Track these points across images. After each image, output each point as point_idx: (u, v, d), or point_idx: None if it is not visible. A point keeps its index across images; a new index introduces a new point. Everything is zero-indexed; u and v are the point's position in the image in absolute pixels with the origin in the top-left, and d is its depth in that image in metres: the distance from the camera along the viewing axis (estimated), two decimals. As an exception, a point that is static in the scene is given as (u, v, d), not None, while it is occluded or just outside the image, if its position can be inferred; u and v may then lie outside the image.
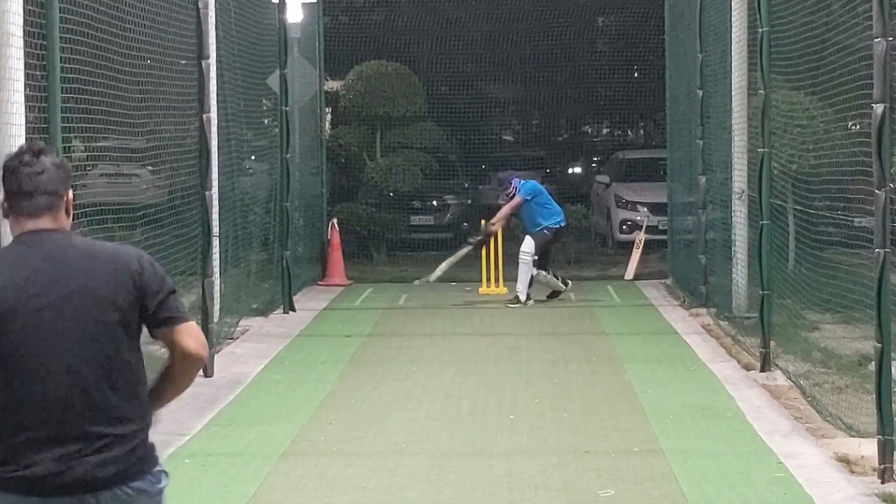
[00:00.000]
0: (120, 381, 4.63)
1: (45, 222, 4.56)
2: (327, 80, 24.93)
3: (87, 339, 4.52)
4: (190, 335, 4.69)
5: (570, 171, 29.06)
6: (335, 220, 21.72)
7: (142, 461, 4.74)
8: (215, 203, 13.98)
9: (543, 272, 18.65)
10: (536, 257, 18.47)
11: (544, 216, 18.55)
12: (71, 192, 4.68)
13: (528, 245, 18.35)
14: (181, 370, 4.79)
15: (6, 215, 4.61)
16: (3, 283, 4.47)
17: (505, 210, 18.81)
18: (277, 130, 18.30)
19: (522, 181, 18.76)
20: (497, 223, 19.07)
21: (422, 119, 25.27)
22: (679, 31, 19.89)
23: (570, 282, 19.35)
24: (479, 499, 8.77)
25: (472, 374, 13.21)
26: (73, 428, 4.51)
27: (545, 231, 18.46)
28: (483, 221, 19.60)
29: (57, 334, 4.48)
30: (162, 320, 4.67)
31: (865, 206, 10.16)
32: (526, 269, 18.37)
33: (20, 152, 4.63)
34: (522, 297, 18.36)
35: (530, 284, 18.47)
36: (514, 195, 18.58)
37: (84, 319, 4.51)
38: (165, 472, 4.82)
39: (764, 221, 13.05)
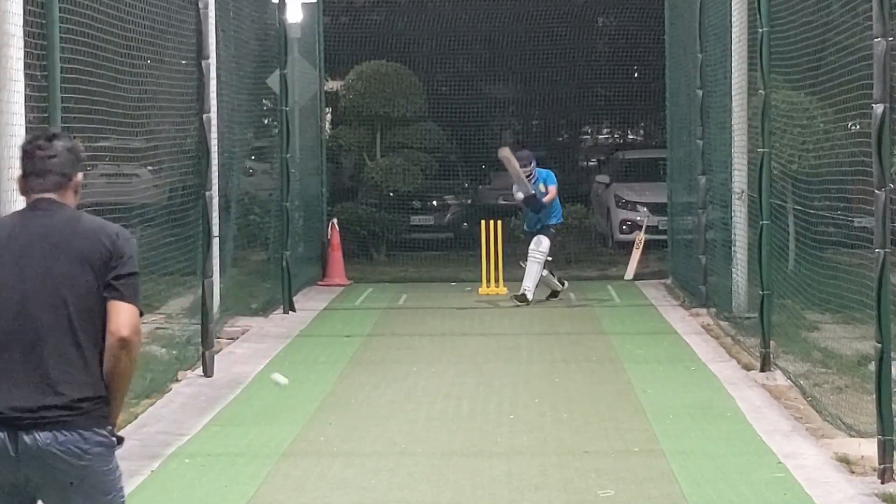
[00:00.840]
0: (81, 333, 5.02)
1: (52, 195, 5.11)
2: (327, 80, 24.94)
3: (56, 288, 4.98)
4: (119, 313, 4.99)
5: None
6: (335, 220, 21.72)
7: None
8: (215, 203, 13.99)
9: (547, 271, 18.66)
10: (550, 258, 18.47)
11: (553, 213, 18.45)
12: (80, 175, 5.21)
13: (544, 245, 18.22)
14: (108, 347, 5.02)
15: (22, 193, 5.18)
16: (4, 231, 5.08)
17: (551, 196, 18.52)
18: (277, 130, 18.30)
19: (538, 168, 18.64)
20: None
21: (422, 119, 25.27)
22: (679, 31, 19.89)
23: (566, 282, 19.35)
24: (479, 499, 8.77)
25: (472, 374, 13.21)
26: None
27: (552, 230, 18.41)
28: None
29: (21, 279, 4.99)
30: (107, 290, 5.01)
31: (865, 206, 10.16)
32: (538, 268, 18.33)
33: (36, 136, 5.18)
34: (530, 296, 18.32)
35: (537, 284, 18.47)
36: (533, 177, 18.40)
37: (58, 271, 4.99)
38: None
39: (764, 221, 13.05)
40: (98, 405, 5.02)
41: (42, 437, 4.92)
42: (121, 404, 5.15)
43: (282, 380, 10.08)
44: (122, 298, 5.00)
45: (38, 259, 5.01)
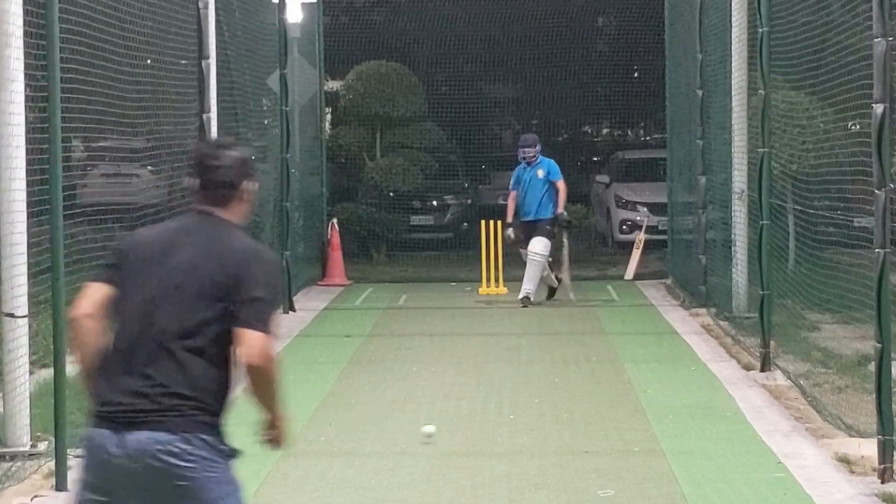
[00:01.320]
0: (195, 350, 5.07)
1: (213, 209, 5.20)
2: (327, 80, 24.94)
3: (179, 301, 5.02)
4: (243, 340, 5.02)
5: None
6: (335, 220, 21.72)
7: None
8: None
9: (547, 271, 18.67)
10: (550, 259, 18.46)
11: (551, 205, 18.36)
12: (250, 183, 5.27)
13: (543, 246, 18.18)
14: (244, 373, 5.17)
15: (190, 197, 5.28)
16: (146, 239, 5.20)
17: (563, 195, 18.52)
18: (277, 130, 18.30)
19: (543, 157, 18.63)
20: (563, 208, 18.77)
21: (422, 119, 25.27)
22: (679, 31, 19.88)
23: (562, 277, 19.34)
24: (479, 499, 8.77)
25: (472, 374, 13.21)
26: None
27: (548, 227, 18.37)
28: (560, 212, 18.92)
29: (155, 288, 5.04)
30: (234, 314, 5.02)
31: (865, 206, 10.16)
32: (539, 269, 18.30)
33: (206, 144, 5.31)
34: (533, 298, 18.32)
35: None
36: (536, 161, 18.40)
37: (185, 285, 5.03)
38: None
39: (764, 221, 13.05)
40: (201, 412, 5.16)
41: (143, 436, 4.97)
42: (273, 414, 5.53)
43: (430, 430, 10.11)
44: (248, 325, 4.99)
45: (174, 270, 5.06)
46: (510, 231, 18.64)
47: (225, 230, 5.18)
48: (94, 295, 5.15)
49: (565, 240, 18.66)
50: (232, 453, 5.33)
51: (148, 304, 5.04)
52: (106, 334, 5.14)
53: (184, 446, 5.04)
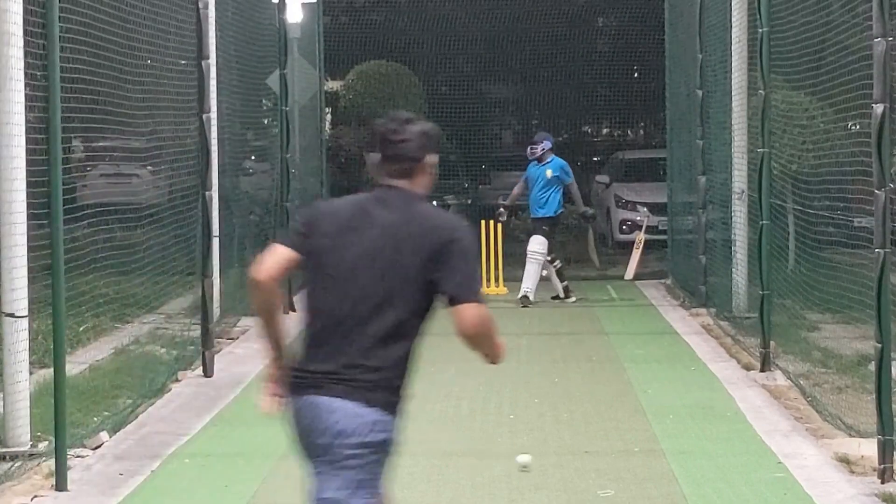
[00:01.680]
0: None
1: (398, 182, 5.33)
2: (327, 80, 24.94)
3: (377, 272, 5.18)
4: (456, 315, 5.22)
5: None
6: (335, 220, 21.69)
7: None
8: (215, 203, 13.98)
9: (556, 274, 18.71)
10: (548, 258, 18.48)
11: (548, 204, 18.44)
12: (432, 157, 5.40)
13: (542, 245, 18.23)
14: (463, 340, 5.34)
15: (374, 175, 5.40)
16: (334, 209, 5.34)
17: (577, 194, 18.81)
18: (277, 130, 18.30)
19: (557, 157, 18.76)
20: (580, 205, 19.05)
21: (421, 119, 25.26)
22: (679, 31, 19.89)
23: (573, 296, 19.31)
24: (479, 499, 8.77)
25: (472, 374, 13.20)
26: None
27: (545, 227, 18.41)
28: (586, 210, 19.48)
29: (353, 258, 5.21)
30: (439, 288, 5.22)
31: (865, 206, 10.16)
32: (538, 267, 18.34)
33: (390, 119, 5.41)
34: (532, 297, 18.34)
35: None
36: (546, 160, 18.49)
37: (382, 257, 5.18)
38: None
39: (764, 221, 13.05)
40: (388, 384, 5.30)
41: (336, 404, 5.19)
42: (496, 351, 5.55)
43: (525, 459, 10.07)
44: (459, 298, 5.20)
45: (369, 244, 5.21)
46: (501, 210, 19.39)
47: (416, 203, 5.32)
48: (279, 258, 5.33)
49: (590, 231, 20.44)
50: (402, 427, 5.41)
51: (346, 273, 5.22)
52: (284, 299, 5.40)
53: (372, 417, 5.21)
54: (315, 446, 5.29)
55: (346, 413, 5.19)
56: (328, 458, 5.24)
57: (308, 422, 5.28)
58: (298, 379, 5.33)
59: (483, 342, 5.39)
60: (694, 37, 17.73)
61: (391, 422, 5.29)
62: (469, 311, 5.21)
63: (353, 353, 5.22)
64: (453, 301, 5.20)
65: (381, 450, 5.26)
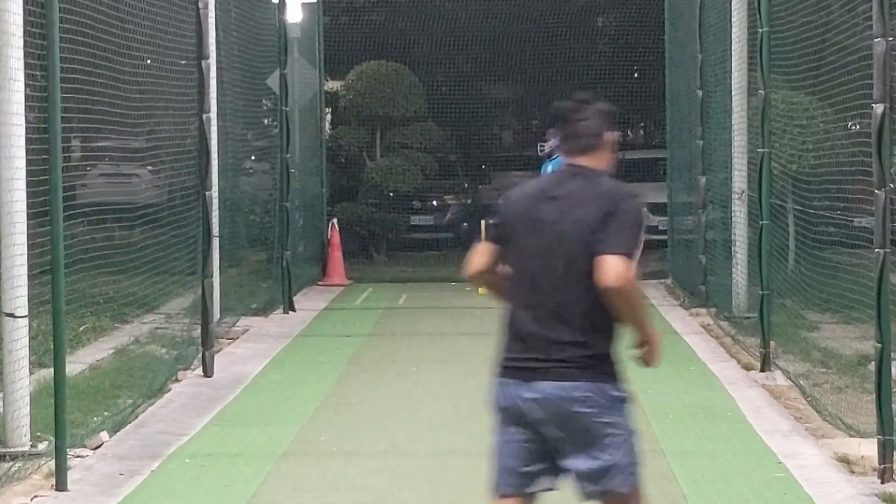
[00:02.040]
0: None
1: (581, 160, 5.58)
2: (327, 80, 24.94)
3: (567, 251, 5.40)
4: (600, 266, 5.31)
5: None
6: (335, 220, 21.72)
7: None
8: (215, 203, 13.98)
9: None
10: None
11: None
12: (612, 134, 5.64)
13: None
14: (604, 297, 5.37)
15: (563, 154, 5.64)
16: (523, 192, 5.62)
17: None
18: (277, 130, 18.31)
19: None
20: None
21: (422, 119, 25.27)
22: (679, 31, 19.89)
23: None
24: (479, 499, 8.74)
25: (472, 374, 13.19)
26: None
27: None
28: None
29: (545, 240, 5.45)
30: (596, 247, 5.35)
31: (865, 206, 10.16)
32: None
33: (571, 99, 5.63)
34: None
35: None
36: (550, 154, 18.49)
37: (569, 236, 5.40)
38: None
39: (764, 221, 13.04)
40: (591, 360, 5.43)
41: (548, 386, 5.41)
42: (645, 331, 5.62)
43: None
44: (605, 250, 5.32)
45: (554, 221, 5.45)
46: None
47: (595, 178, 5.54)
48: (484, 254, 5.66)
49: None
50: (624, 398, 5.57)
51: (541, 257, 5.45)
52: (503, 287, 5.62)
53: (587, 394, 5.39)
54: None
55: (563, 390, 5.47)
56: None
57: (525, 403, 5.53)
58: (510, 364, 5.57)
59: (623, 303, 5.40)
60: (694, 37, 17.73)
61: (602, 393, 5.52)
62: (611, 260, 5.31)
63: (561, 331, 5.43)
64: (598, 251, 5.33)
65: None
